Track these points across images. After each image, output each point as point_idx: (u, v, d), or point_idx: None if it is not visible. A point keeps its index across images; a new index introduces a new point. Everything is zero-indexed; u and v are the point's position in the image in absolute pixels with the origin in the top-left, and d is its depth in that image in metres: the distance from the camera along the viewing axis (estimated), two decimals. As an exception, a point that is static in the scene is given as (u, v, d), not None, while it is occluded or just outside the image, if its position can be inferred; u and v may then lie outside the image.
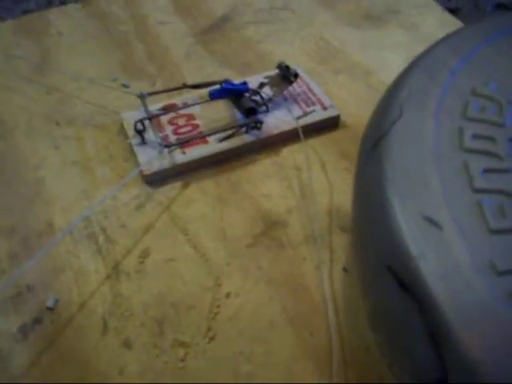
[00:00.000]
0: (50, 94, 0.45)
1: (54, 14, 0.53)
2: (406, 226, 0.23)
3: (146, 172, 0.37)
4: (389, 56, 0.46)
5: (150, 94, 0.40)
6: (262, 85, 0.41)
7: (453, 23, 0.50)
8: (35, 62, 0.48)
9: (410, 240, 0.22)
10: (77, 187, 0.38)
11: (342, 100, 0.42)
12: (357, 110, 0.42)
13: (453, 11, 0.52)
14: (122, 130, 0.41)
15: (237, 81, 0.41)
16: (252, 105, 0.38)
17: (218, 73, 0.45)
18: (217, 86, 0.40)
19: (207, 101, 0.39)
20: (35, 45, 0.49)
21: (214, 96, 0.39)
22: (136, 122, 0.38)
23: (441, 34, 0.49)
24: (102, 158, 0.40)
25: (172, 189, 0.37)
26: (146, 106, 0.39)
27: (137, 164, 0.38)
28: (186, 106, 0.40)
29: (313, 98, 0.41)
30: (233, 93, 0.39)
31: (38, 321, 0.32)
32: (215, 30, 0.50)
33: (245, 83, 0.39)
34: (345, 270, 0.33)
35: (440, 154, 0.25)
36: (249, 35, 0.49)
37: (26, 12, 0.59)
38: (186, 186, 0.37)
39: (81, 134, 0.41)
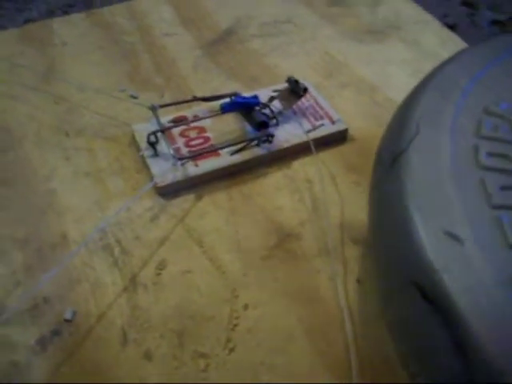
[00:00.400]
0: (58, 104, 0.45)
1: (58, 24, 0.53)
2: (429, 240, 0.24)
3: (160, 184, 0.37)
4: (393, 71, 0.48)
5: (161, 106, 0.40)
6: (271, 98, 0.41)
7: (452, 39, 0.51)
8: (40, 71, 0.47)
9: (433, 254, 0.23)
10: (89, 198, 0.38)
11: (347, 114, 0.43)
12: (363, 123, 0.43)
13: (451, 27, 0.54)
14: (133, 142, 0.41)
15: (244, 94, 0.42)
16: (264, 118, 0.39)
17: (226, 85, 0.46)
18: (227, 99, 0.40)
19: (218, 114, 0.40)
20: (39, 54, 0.49)
21: (225, 109, 0.40)
22: (149, 135, 0.39)
23: (442, 50, 0.50)
24: (114, 170, 0.40)
25: (185, 201, 0.38)
26: (158, 118, 0.40)
27: (149, 176, 0.39)
28: (197, 118, 0.41)
29: (321, 112, 0.42)
30: (243, 106, 0.40)
31: (56, 333, 0.32)
32: (221, 43, 0.50)
33: (255, 97, 0.40)
34: (358, 281, 0.34)
35: (457, 170, 0.27)
36: (254, 48, 0.50)
37: (28, 21, 0.59)
38: (198, 198, 0.38)
39: (91, 145, 0.41)
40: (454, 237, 0.24)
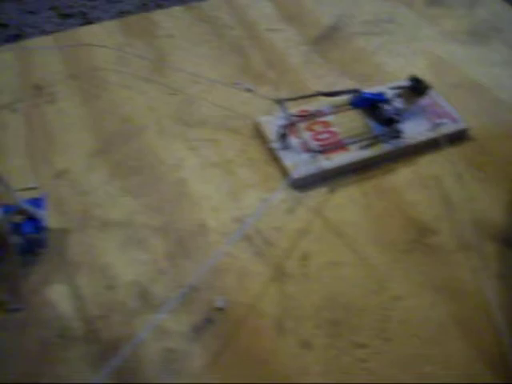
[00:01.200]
0: (174, 95, 0.45)
1: (159, 16, 0.53)
2: None
3: (296, 176, 0.38)
4: (500, 73, 0.48)
5: (287, 100, 0.41)
6: (395, 96, 0.42)
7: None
8: (151, 62, 0.48)
9: None
10: (222, 189, 0.39)
11: (463, 114, 0.44)
12: (479, 123, 0.43)
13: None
14: (256, 134, 0.41)
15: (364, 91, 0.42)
16: (392, 115, 0.40)
17: (339, 82, 0.46)
18: (351, 95, 0.41)
19: (347, 109, 0.41)
20: (147, 45, 0.50)
21: (354, 104, 0.40)
22: (280, 127, 0.39)
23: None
24: (242, 161, 0.40)
25: (318, 194, 0.38)
26: (286, 112, 0.40)
27: (279, 168, 0.39)
28: (324, 113, 0.41)
29: (440, 111, 0.42)
30: (371, 102, 0.40)
31: (209, 321, 0.33)
32: (326, 40, 0.51)
33: (381, 94, 0.41)
34: (499, 276, 0.35)
35: None
36: (360, 46, 0.50)
37: (121, 12, 0.59)
38: (332, 191, 0.38)
39: (215, 136, 0.42)
40: None
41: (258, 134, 0.41)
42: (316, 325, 0.32)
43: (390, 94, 0.42)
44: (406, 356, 0.31)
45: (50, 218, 0.37)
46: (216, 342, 0.32)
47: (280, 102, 0.41)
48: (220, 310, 0.33)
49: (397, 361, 0.31)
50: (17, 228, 0.37)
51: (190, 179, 0.39)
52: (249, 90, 0.45)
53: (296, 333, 0.32)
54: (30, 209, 0.37)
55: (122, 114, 0.44)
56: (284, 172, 0.39)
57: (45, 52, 0.51)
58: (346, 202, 0.38)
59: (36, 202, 0.37)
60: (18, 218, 0.37)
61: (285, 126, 0.39)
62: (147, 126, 0.43)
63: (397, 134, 0.39)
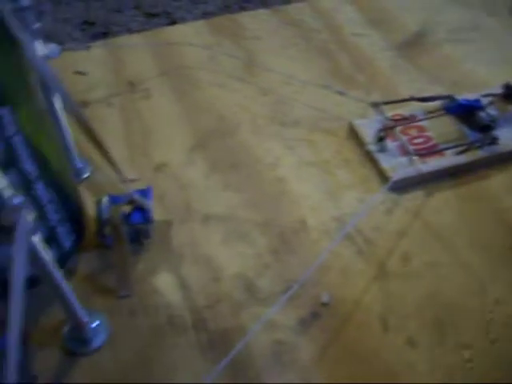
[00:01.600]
0: (266, 96, 0.46)
1: (245, 18, 0.55)
2: None
3: (396, 178, 0.38)
4: None
5: (383, 104, 0.42)
6: (489, 103, 0.42)
7: None
8: (241, 62, 0.49)
9: None
10: (320, 188, 0.40)
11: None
12: None
13: None
14: (351, 136, 0.42)
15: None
16: (488, 121, 0.40)
17: (429, 88, 0.47)
18: (449, 101, 0.42)
19: (441, 114, 0.41)
20: (236, 46, 0.51)
21: (449, 110, 0.41)
22: (378, 130, 0.40)
23: None
24: (338, 162, 0.41)
25: (415, 196, 0.39)
26: (383, 115, 0.41)
27: (375, 170, 0.40)
28: (418, 118, 0.42)
29: (534, 119, 0.43)
30: (466, 109, 0.41)
31: (315, 315, 0.34)
32: (412, 46, 0.51)
33: (478, 100, 0.41)
34: None
35: None
36: (447, 53, 0.51)
37: (205, 13, 0.61)
38: (429, 194, 0.39)
39: (310, 136, 0.43)
40: None
41: (353, 135, 0.42)
42: (420, 323, 0.33)
43: (483, 101, 0.43)
44: (512, 357, 0.32)
45: (153, 209, 0.39)
46: (323, 336, 0.33)
47: (377, 105, 0.41)
48: (325, 305, 0.34)
49: (502, 362, 0.32)
50: (126, 218, 0.38)
51: (287, 177, 0.40)
52: (341, 93, 0.46)
53: (401, 330, 0.33)
54: (140, 199, 0.38)
55: (216, 112, 0.45)
56: (380, 174, 0.40)
57: (136, 50, 0.52)
58: (442, 205, 0.39)
59: (143, 193, 0.39)
60: (127, 208, 0.39)
61: (383, 129, 0.40)
62: (242, 124, 0.44)
63: (492, 141, 0.40)
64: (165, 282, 0.36)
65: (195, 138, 0.43)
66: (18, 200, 0.27)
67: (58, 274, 0.32)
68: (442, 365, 0.32)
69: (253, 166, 0.41)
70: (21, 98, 0.32)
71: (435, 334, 0.33)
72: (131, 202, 0.39)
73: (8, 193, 0.26)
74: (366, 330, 0.33)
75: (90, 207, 0.41)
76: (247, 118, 0.44)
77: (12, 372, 0.25)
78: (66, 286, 0.33)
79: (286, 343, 0.33)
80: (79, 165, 0.42)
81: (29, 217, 0.27)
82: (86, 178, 0.42)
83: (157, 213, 0.39)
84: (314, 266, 0.35)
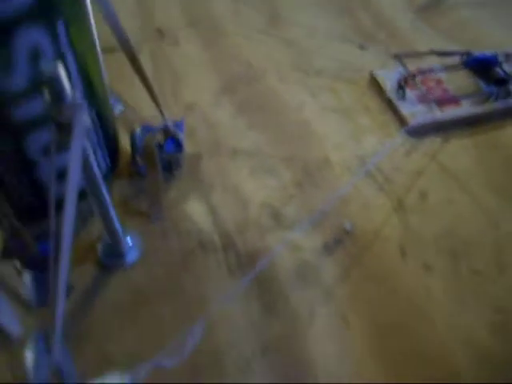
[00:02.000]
0: (291, 47, 0.48)
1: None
2: None
3: (413, 123, 0.40)
4: None
5: (404, 56, 0.43)
6: (505, 59, 0.44)
7: None
8: (265, 16, 0.51)
9: None
10: (343, 130, 0.42)
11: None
12: None
13: None
14: (372, 86, 0.44)
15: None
16: (503, 76, 0.42)
17: (446, 46, 0.49)
18: (467, 56, 0.44)
19: (459, 68, 0.43)
20: (261, 1, 0.53)
21: (466, 65, 0.43)
22: (399, 79, 0.42)
23: None
24: (359, 109, 0.43)
25: (433, 142, 0.41)
26: (405, 66, 0.43)
27: (394, 117, 0.42)
28: (436, 71, 0.44)
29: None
30: (483, 63, 0.43)
31: (339, 241, 0.36)
32: (432, 8, 0.53)
33: (495, 56, 0.43)
34: None
35: None
36: (466, 15, 0.53)
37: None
38: (446, 140, 0.41)
39: (333, 85, 0.45)
40: None
41: (374, 85, 0.44)
42: (436, 252, 0.35)
43: (499, 57, 0.45)
44: (519, 286, 0.34)
45: (185, 142, 0.41)
46: (346, 260, 0.35)
47: (398, 56, 0.43)
48: (348, 232, 0.36)
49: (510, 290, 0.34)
50: (160, 146, 0.40)
51: (311, 120, 0.43)
52: (362, 47, 0.48)
53: (417, 257, 0.35)
54: (173, 129, 0.40)
55: (243, 59, 0.47)
56: (400, 120, 0.42)
57: None
58: (459, 151, 0.41)
59: (176, 125, 0.41)
60: (160, 138, 0.41)
61: (403, 79, 0.42)
62: (268, 71, 0.46)
63: (507, 94, 0.42)
64: (195, 209, 0.38)
65: (222, 82, 0.45)
66: (78, 98, 0.28)
67: (104, 185, 0.34)
68: (457, 287, 0.34)
69: (278, 109, 0.43)
70: (72, 13, 0.33)
71: (449, 261, 0.35)
72: (165, 131, 0.41)
73: (70, 92, 0.28)
74: (385, 256, 0.36)
75: (122, 140, 0.43)
76: (272, 67, 0.46)
77: (64, 276, 0.27)
78: (110, 199, 0.35)
79: (310, 263, 0.35)
80: (111, 100, 0.43)
81: (86, 116, 0.29)
82: (118, 113, 0.43)
83: (187, 147, 0.41)
84: (336, 195, 0.37)
